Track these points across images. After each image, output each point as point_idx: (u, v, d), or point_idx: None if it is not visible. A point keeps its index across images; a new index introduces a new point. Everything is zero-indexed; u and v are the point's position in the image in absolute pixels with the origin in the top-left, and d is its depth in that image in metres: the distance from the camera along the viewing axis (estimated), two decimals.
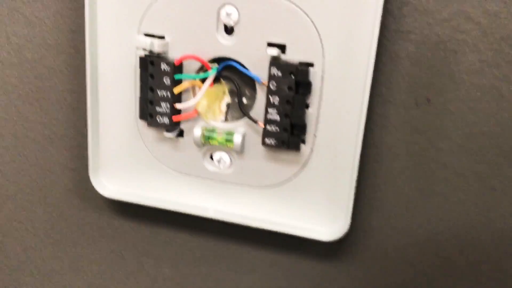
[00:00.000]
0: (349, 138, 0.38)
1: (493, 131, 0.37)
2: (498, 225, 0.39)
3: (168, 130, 0.41)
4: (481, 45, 0.35)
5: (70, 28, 0.43)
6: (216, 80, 0.41)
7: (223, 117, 0.42)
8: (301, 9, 0.37)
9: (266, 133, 0.39)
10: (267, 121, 0.39)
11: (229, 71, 0.41)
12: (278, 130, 0.39)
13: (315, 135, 0.39)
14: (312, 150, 0.40)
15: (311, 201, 0.41)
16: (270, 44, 0.38)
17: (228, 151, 0.42)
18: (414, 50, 0.37)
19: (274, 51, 0.37)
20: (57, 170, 0.48)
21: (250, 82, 0.41)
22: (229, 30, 0.39)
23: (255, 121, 0.40)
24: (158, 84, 0.40)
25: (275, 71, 0.37)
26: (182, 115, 0.41)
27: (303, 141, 0.40)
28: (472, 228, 0.40)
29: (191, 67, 0.41)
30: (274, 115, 0.38)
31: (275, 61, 0.37)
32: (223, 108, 0.42)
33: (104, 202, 0.48)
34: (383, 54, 0.37)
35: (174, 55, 0.40)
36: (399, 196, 0.40)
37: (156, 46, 0.39)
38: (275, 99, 0.38)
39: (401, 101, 0.38)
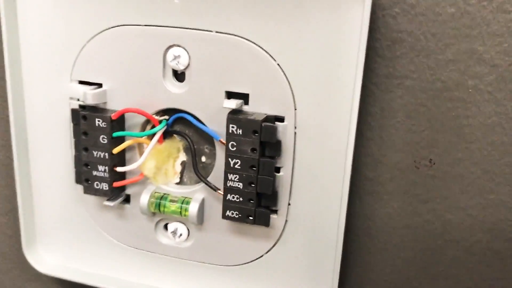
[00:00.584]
0: (331, 206, 0.31)
1: None
2: None
3: (109, 198, 0.34)
4: (498, 93, 0.27)
5: None
6: (168, 134, 0.34)
7: (177, 179, 0.35)
8: (265, 51, 0.29)
9: (226, 204, 0.31)
10: (227, 189, 0.31)
11: (183, 124, 0.34)
12: (242, 200, 0.31)
13: (289, 204, 0.32)
14: (286, 221, 0.32)
15: (288, 282, 0.33)
16: (230, 93, 0.31)
17: (185, 221, 0.34)
18: (411, 99, 0.29)
19: (232, 104, 0.30)
20: None
21: (208, 136, 0.33)
22: (179, 76, 0.32)
23: (214, 189, 0.32)
24: (93, 143, 0.33)
25: (234, 128, 0.30)
26: (125, 180, 0.34)
27: (275, 212, 0.32)
28: None
29: (134, 120, 0.33)
30: (235, 182, 0.31)
31: (234, 116, 0.30)
32: (177, 168, 0.35)
33: (43, 277, 0.40)
34: (372, 104, 0.30)
35: (114, 106, 0.33)
36: (398, 279, 0.33)
37: (90, 96, 0.32)
38: (236, 163, 0.30)
39: (397, 162, 0.30)
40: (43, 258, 0.38)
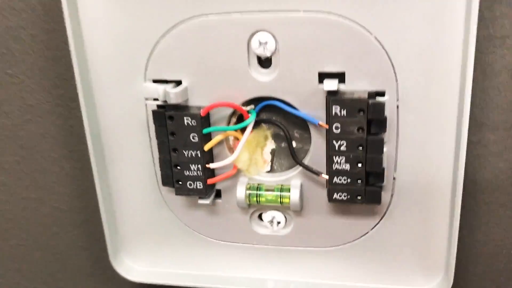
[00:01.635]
0: (442, 175, 0.31)
1: None
2: None
3: (203, 196, 0.34)
4: None
5: (54, 84, 0.35)
6: (256, 123, 0.33)
7: (268, 167, 0.34)
8: (359, 24, 0.28)
9: (333, 187, 0.31)
10: (333, 172, 0.31)
11: (268, 112, 0.33)
12: (349, 181, 0.31)
13: (394, 178, 0.32)
14: (392, 196, 0.32)
15: (397, 258, 0.34)
16: (323, 74, 0.30)
17: (282, 209, 0.34)
18: None
19: (332, 85, 0.29)
20: (68, 252, 0.41)
21: (296, 120, 0.33)
22: (263, 62, 0.31)
23: (317, 173, 0.32)
24: (183, 143, 0.32)
25: (337, 109, 0.29)
26: (219, 176, 0.33)
27: (381, 188, 0.32)
28: None
29: (219, 114, 0.33)
30: (342, 164, 0.31)
31: (335, 97, 0.29)
32: (267, 156, 0.34)
33: (132, 286, 0.40)
34: (473, 67, 0.29)
35: (195, 102, 0.32)
36: (507, 236, 0.33)
37: (174, 94, 0.31)
38: (341, 145, 0.30)
39: (502, 122, 0.30)
40: (132, 267, 0.38)
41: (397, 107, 0.30)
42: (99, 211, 0.38)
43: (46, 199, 0.39)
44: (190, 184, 0.33)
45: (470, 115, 0.30)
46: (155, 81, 0.32)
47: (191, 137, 0.32)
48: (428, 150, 0.31)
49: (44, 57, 0.34)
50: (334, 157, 0.31)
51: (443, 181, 0.31)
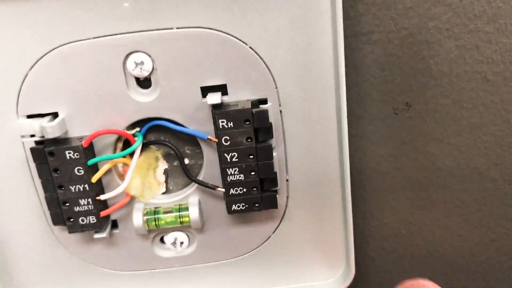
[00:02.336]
0: (330, 170, 0.32)
1: (484, 120, 0.33)
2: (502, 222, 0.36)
3: (98, 230, 0.32)
4: (455, 29, 0.30)
5: None
6: (144, 146, 0.32)
7: (163, 188, 0.34)
8: (234, 36, 0.29)
9: (231, 199, 0.31)
10: (229, 184, 0.31)
11: (155, 132, 0.32)
12: (245, 190, 0.31)
13: (287, 180, 0.33)
14: (288, 198, 0.33)
15: (300, 257, 0.35)
16: (205, 89, 0.30)
17: (183, 228, 0.34)
18: (380, 52, 0.31)
19: (216, 98, 0.29)
20: None
21: (186, 137, 0.33)
22: (142, 83, 0.30)
23: (213, 188, 0.32)
24: (68, 179, 0.30)
25: (224, 122, 0.29)
26: (112, 207, 0.32)
27: (276, 192, 0.33)
28: (475, 230, 0.36)
29: (103, 141, 0.31)
30: (236, 175, 0.31)
31: (220, 110, 0.29)
32: (161, 177, 0.33)
33: None
34: (346, 64, 0.31)
35: (76, 133, 0.31)
36: (397, 218, 0.36)
37: (51, 129, 0.29)
38: (232, 156, 0.30)
39: (377, 113, 0.33)
40: None
41: (280, 112, 0.31)
42: None
43: None
44: (83, 220, 0.31)
45: (348, 110, 0.31)
46: (29, 116, 0.30)
47: (76, 171, 0.30)
48: (314, 148, 0.32)
49: None
50: (227, 169, 0.31)
51: (332, 175, 0.33)
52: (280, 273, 0.35)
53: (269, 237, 0.34)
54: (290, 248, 0.35)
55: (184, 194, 0.33)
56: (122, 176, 0.32)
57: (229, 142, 0.30)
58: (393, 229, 0.36)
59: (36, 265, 0.34)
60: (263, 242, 0.35)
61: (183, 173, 0.34)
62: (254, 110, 0.29)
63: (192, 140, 0.33)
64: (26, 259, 0.34)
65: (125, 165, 0.32)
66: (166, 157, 0.33)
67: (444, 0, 0.30)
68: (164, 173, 0.34)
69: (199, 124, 0.31)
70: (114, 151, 0.32)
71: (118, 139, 0.32)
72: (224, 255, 0.35)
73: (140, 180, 0.32)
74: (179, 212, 0.33)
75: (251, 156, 0.30)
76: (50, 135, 0.29)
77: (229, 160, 0.31)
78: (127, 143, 0.32)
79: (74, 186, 0.31)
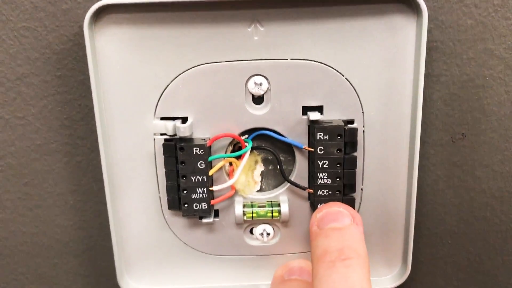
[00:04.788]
0: (398, 183, 0.40)
1: None
2: None
3: (207, 216, 0.39)
4: (506, 78, 0.38)
5: (62, 124, 0.39)
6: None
7: (258, 187, 0.41)
8: (334, 69, 0.37)
9: (317, 199, 0.39)
10: (317, 186, 0.38)
11: (258, 140, 0.40)
12: (330, 193, 0.39)
13: (362, 189, 0.40)
14: (360, 203, 0.40)
15: None
16: (305, 108, 0.38)
17: (271, 222, 0.41)
18: (446, 91, 0.39)
19: (316, 115, 0.37)
20: (66, 281, 0.43)
21: (281, 146, 0.40)
22: (257, 99, 0.38)
23: (303, 188, 0.39)
24: (191, 170, 0.37)
25: (321, 135, 0.37)
26: (221, 197, 0.39)
27: (354, 197, 0.40)
28: (510, 243, 0.43)
29: (218, 143, 0.39)
30: (324, 179, 0.38)
31: (319, 125, 0.37)
32: (257, 178, 0.41)
33: None
34: None
35: (198, 134, 0.38)
36: (444, 229, 0.43)
37: (183, 129, 0.37)
38: (324, 163, 0.38)
39: (438, 139, 0.40)
40: (139, 286, 0.42)
41: (363, 132, 0.39)
42: (99, 239, 0.43)
43: (48, 232, 0.42)
44: (196, 206, 0.39)
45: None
46: (162, 118, 0.38)
47: (198, 164, 0.38)
48: (387, 164, 0.39)
49: (54, 101, 0.38)
50: (318, 173, 0.38)
51: (400, 188, 0.40)
52: None
53: None
54: None
55: (275, 193, 0.40)
56: (228, 174, 0.40)
57: (322, 152, 0.38)
58: (441, 238, 0.43)
59: (145, 243, 0.41)
60: None
61: (275, 175, 0.41)
62: (346, 127, 0.37)
63: (286, 149, 0.40)
64: (138, 237, 0.41)
65: (231, 165, 0.40)
66: (264, 161, 0.41)
67: (499, 55, 0.38)
68: (260, 174, 0.41)
69: (296, 136, 0.39)
70: (225, 152, 0.39)
71: (230, 143, 0.39)
72: (302, 247, 0.42)
73: (244, 177, 0.39)
74: (271, 207, 0.40)
75: (339, 165, 0.38)
76: (182, 134, 0.37)
77: (320, 166, 0.38)
78: (235, 147, 0.40)
79: (194, 177, 0.38)
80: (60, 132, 0.39)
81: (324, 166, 0.38)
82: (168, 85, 0.37)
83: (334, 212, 0.35)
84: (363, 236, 0.33)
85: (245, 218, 0.40)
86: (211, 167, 0.38)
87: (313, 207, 0.39)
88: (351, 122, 0.38)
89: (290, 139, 0.39)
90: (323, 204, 0.38)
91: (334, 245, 0.31)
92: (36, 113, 0.38)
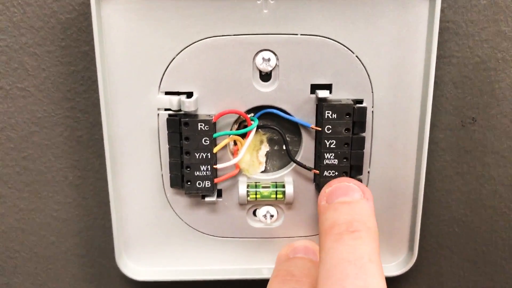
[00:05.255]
0: (407, 167, 0.39)
1: None
2: None
3: (209, 194, 0.38)
4: None
5: (65, 97, 0.38)
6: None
7: (263, 167, 0.40)
8: (345, 46, 0.36)
9: (323, 180, 0.38)
10: (324, 167, 0.37)
11: (265, 119, 0.39)
12: (336, 174, 0.38)
13: (368, 172, 0.39)
14: (367, 186, 0.39)
15: None
16: (314, 86, 0.37)
17: (275, 203, 0.40)
18: (457, 73, 0.38)
19: (325, 93, 0.36)
20: (63, 260, 0.42)
21: (287, 126, 0.39)
22: (263, 76, 0.37)
23: (309, 169, 0.38)
24: (195, 147, 0.37)
25: (329, 114, 0.36)
26: (225, 175, 0.38)
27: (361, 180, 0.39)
28: None
29: (223, 120, 0.38)
30: (331, 159, 0.37)
31: (326, 103, 0.36)
32: (262, 158, 0.40)
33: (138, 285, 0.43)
34: None
35: (202, 111, 0.37)
36: (451, 216, 0.42)
37: (188, 103, 0.36)
38: (331, 143, 0.37)
39: (448, 123, 0.39)
40: (136, 267, 0.41)
41: (372, 112, 0.38)
42: (99, 218, 0.42)
43: (45, 209, 0.41)
44: (199, 183, 0.38)
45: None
46: (167, 93, 0.37)
47: (203, 141, 0.37)
48: (395, 147, 0.39)
49: (57, 72, 0.37)
50: (325, 153, 0.37)
51: (408, 173, 0.39)
52: None
53: None
54: None
55: (280, 173, 0.40)
56: (232, 153, 0.39)
57: (330, 131, 0.37)
58: (448, 226, 0.42)
59: (145, 223, 0.40)
60: None
61: (280, 156, 0.40)
62: (355, 106, 0.36)
63: (292, 129, 0.39)
64: (138, 216, 0.40)
65: (235, 145, 0.39)
66: (269, 141, 0.40)
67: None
68: (265, 154, 0.40)
69: (304, 115, 0.38)
70: (230, 130, 0.38)
71: (235, 121, 0.38)
72: (305, 230, 0.41)
73: (249, 156, 0.39)
74: (276, 188, 0.39)
75: (346, 145, 0.37)
76: (187, 109, 0.36)
77: (328, 146, 0.37)
78: (240, 125, 0.39)
79: (199, 154, 0.37)
80: (62, 105, 0.38)
81: (332, 146, 0.37)
82: (174, 58, 0.36)
83: (344, 186, 0.34)
84: (373, 211, 0.32)
85: (248, 198, 0.39)
86: (215, 145, 0.38)
87: (319, 189, 0.38)
88: (360, 102, 0.38)
89: (297, 118, 0.38)
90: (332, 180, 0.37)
91: (343, 218, 0.30)
92: (37, 84, 0.37)
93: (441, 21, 0.37)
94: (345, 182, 0.35)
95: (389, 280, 0.39)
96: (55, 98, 0.38)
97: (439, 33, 0.37)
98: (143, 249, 0.41)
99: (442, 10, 0.37)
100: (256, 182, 0.39)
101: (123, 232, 0.40)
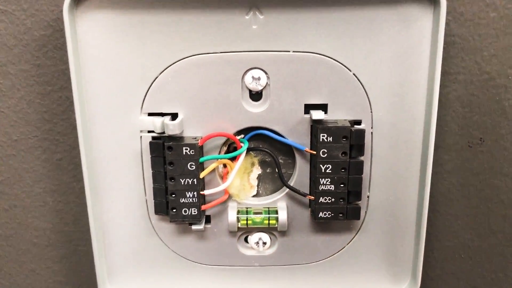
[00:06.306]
0: (409, 191, 0.36)
1: None
2: None
3: (196, 222, 0.36)
4: None
5: (42, 118, 0.36)
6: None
7: (255, 192, 0.38)
8: (341, 63, 0.33)
9: (319, 207, 0.35)
10: (319, 193, 0.35)
11: (255, 140, 0.37)
12: (333, 200, 0.35)
13: (368, 196, 0.36)
14: (366, 213, 0.37)
15: (369, 268, 0.38)
16: (308, 106, 0.34)
17: (267, 230, 0.37)
18: (463, 91, 0.35)
19: (319, 114, 0.33)
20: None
21: (280, 148, 0.37)
22: (253, 96, 0.35)
23: (303, 195, 0.35)
24: (181, 172, 0.34)
25: (324, 136, 0.33)
26: (213, 202, 0.36)
27: (359, 205, 0.36)
28: None
29: (211, 143, 0.35)
30: (327, 185, 0.35)
31: (322, 125, 0.33)
32: (253, 181, 0.37)
33: None
34: None
35: (188, 133, 0.35)
36: (457, 242, 0.39)
37: (172, 126, 0.33)
38: (327, 168, 0.34)
39: (453, 144, 0.37)
40: None
41: (371, 134, 0.35)
42: (81, 244, 0.39)
43: (25, 235, 0.38)
44: (185, 211, 0.35)
45: None
46: (150, 114, 0.35)
47: (188, 166, 0.34)
48: (397, 170, 0.36)
49: (33, 92, 0.35)
50: (320, 179, 0.35)
51: (410, 196, 0.36)
52: (350, 281, 0.39)
53: (344, 247, 0.38)
54: (361, 259, 0.38)
55: (273, 198, 0.37)
56: (221, 176, 0.36)
57: (326, 155, 0.34)
58: (454, 252, 0.40)
59: (129, 250, 0.38)
60: (337, 252, 0.38)
61: (273, 179, 0.38)
62: (353, 128, 0.34)
63: (286, 151, 0.37)
64: (122, 243, 0.37)
65: (225, 168, 0.36)
66: (261, 163, 0.37)
67: None
68: (257, 178, 0.38)
69: (297, 137, 0.35)
70: (219, 153, 0.36)
71: (224, 143, 0.36)
72: (300, 259, 0.38)
73: (240, 181, 0.36)
74: (268, 214, 0.36)
75: (343, 170, 0.34)
76: (171, 132, 0.34)
77: (323, 170, 0.34)
78: (229, 148, 0.36)
79: (184, 180, 0.34)
80: (39, 127, 0.36)
81: (328, 170, 0.35)
82: (156, 78, 0.34)
83: None
84: None
85: (239, 225, 0.36)
86: (202, 169, 0.35)
87: (314, 215, 0.36)
88: (358, 122, 0.35)
89: (290, 140, 0.35)
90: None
91: None
92: (12, 105, 0.35)
93: (446, 35, 0.34)
94: None
95: None
96: (32, 119, 0.36)
97: (444, 48, 0.34)
98: (127, 277, 0.38)
99: (447, 23, 0.34)
100: (247, 208, 0.37)
101: (106, 260, 0.38)
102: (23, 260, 0.39)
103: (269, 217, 0.36)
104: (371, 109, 0.34)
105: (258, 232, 0.38)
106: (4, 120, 0.35)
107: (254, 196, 0.38)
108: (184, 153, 0.34)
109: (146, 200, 0.36)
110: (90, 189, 0.35)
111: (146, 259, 0.38)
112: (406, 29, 0.33)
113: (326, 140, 0.34)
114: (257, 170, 0.37)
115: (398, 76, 0.34)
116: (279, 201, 0.37)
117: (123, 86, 0.34)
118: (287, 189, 0.36)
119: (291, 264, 0.38)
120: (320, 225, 0.37)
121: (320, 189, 0.35)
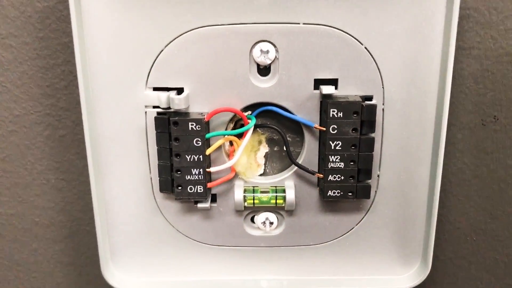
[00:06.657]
0: (421, 171, 0.35)
1: None
2: None
3: (202, 200, 0.35)
4: None
5: (45, 93, 0.35)
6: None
7: (262, 170, 0.37)
8: (352, 36, 0.32)
9: (328, 185, 0.34)
10: (328, 171, 0.34)
11: (263, 117, 0.36)
12: (343, 178, 0.34)
13: (378, 175, 0.35)
14: (376, 192, 0.36)
15: (378, 250, 0.37)
16: (318, 81, 0.33)
17: (274, 209, 0.36)
18: (477, 66, 0.34)
19: (330, 89, 0.32)
20: (47, 268, 0.39)
21: (289, 125, 0.36)
22: (261, 70, 0.34)
23: (312, 173, 0.35)
24: (186, 149, 0.33)
25: (334, 112, 0.32)
26: (219, 179, 0.35)
27: (370, 184, 0.35)
28: None
29: (217, 119, 0.34)
30: (336, 163, 0.34)
31: (334, 100, 0.32)
32: (260, 160, 0.36)
33: None
34: None
35: (194, 109, 0.34)
36: (469, 224, 0.38)
37: (177, 101, 0.32)
38: (337, 145, 0.33)
39: (467, 122, 0.36)
40: (123, 277, 0.38)
41: (383, 110, 0.34)
42: (84, 224, 0.38)
43: (26, 214, 0.37)
44: (191, 188, 0.34)
45: None
46: (155, 89, 0.34)
47: (194, 142, 0.33)
48: (408, 148, 0.35)
49: (35, 66, 0.34)
50: (329, 156, 0.34)
51: (422, 176, 0.35)
52: (358, 264, 0.38)
53: (353, 228, 0.37)
54: (371, 240, 0.37)
55: (281, 177, 0.36)
56: (228, 154, 0.36)
57: (336, 131, 0.33)
58: (465, 235, 0.39)
59: (133, 230, 0.37)
60: (346, 232, 0.37)
61: (281, 158, 0.37)
62: (364, 103, 0.33)
63: (294, 129, 0.36)
64: (125, 222, 0.37)
65: (231, 145, 0.35)
66: (268, 141, 0.36)
67: None
68: (264, 156, 0.37)
69: (306, 113, 0.34)
70: (225, 129, 0.35)
71: (230, 120, 0.35)
72: (308, 240, 0.37)
73: (246, 158, 0.35)
74: (276, 193, 0.36)
75: (353, 147, 0.33)
76: (177, 106, 0.33)
77: (333, 148, 0.33)
78: (236, 124, 0.35)
79: (190, 156, 0.34)
80: (41, 102, 0.35)
81: (337, 147, 0.34)
82: (162, 51, 0.33)
83: None
84: None
85: (245, 204, 0.36)
86: (208, 146, 0.34)
87: (323, 194, 0.35)
88: (370, 98, 0.34)
89: (299, 116, 0.34)
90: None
91: None
92: (14, 79, 0.34)
93: (460, 8, 0.33)
94: None
95: None
96: (34, 94, 0.35)
97: (459, 22, 0.33)
98: (131, 258, 0.38)
99: None
100: (254, 187, 0.36)
101: (109, 239, 0.37)
102: (24, 240, 0.38)
103: (276, 196, 0.35)
104: (382, 84, 0.33)
105: (265, 211, 0.37)
106: (6, 94, 0.35)
107: (261, 175, 0.37)
108: (190, 129, 0.33)
109: (151, 178, 0.36)
110: (94, 166, 0.34)
111: (150, 239, 0.37)
112: (420, 1, 0.32)
113: (336, 116, 0.33)
114: (264, 149, 0.36)
115: (411, 50, 0.33)
116: (287, 180, 0.36)
117: (128, 60, 0.33)
118: (295, 168, 0.36)
119: (298, 245, 0.37)
120: (329, 205, 0.36)
121: (329, 166, 0.34)
